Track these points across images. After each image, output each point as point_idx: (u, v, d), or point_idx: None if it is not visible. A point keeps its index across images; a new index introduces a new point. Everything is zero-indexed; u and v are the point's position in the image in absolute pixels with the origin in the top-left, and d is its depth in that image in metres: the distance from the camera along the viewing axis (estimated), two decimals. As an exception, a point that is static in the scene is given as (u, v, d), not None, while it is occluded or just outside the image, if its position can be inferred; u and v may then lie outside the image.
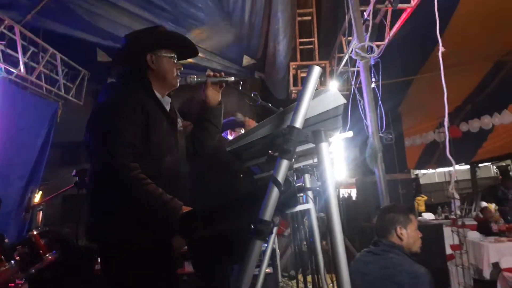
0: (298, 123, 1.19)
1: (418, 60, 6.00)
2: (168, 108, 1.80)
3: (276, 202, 1.14)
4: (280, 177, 1.16)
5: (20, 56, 4.66)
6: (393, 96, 6.30)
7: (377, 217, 2.12)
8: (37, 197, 5.15)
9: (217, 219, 1.33)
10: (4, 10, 4.35)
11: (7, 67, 4.56)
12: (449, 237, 4.84)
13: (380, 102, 3.81)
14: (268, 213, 1.13)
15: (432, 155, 9.61)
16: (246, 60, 5.96)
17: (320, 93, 1.32)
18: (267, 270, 2.66)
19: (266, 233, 1.11)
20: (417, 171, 12.25)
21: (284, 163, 1.17)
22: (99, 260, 4.46)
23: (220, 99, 1.92)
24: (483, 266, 4.83)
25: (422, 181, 12.59)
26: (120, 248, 1.56)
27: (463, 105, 8.34)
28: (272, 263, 3.87)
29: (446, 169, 11.50)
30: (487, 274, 4.77)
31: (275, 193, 1.14)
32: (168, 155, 1.68)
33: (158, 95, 1.75)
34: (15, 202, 4.81)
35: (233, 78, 1.89)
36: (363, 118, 3.77)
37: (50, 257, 3.81)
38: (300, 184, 2.11)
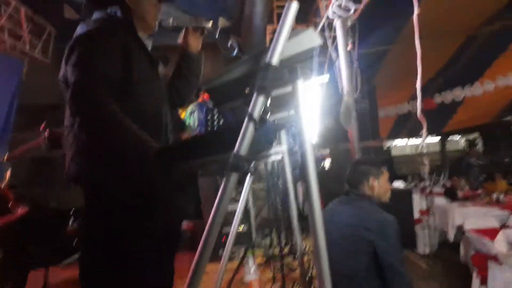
0: (275, 60, 1.16)
1: (393, 30, 6.02)
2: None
3: (251, 138, 1.12)
4: (256, 113, 1.13)
5: (-20, 8, 4.38)
6: (368, 67, 6.35)
7: (350, 168, 2.14)
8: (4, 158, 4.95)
9: (193, 153, 1.28)
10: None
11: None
12: (418, 203, 5.01)
13: (356, 63, 3.81)
14: (243, 148, 1.10)
15: (404, 126, 9.84)
16: (222, 22, 5.78)
17: (297, 33, 1.28)
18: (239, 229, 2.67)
19: (241, 167, 1.09)
20: (389, 143, 12.58)
21: (260, 99, 1.14)
22: (70, 223, 4.41)
23: (200, 47, 1.83)
24: (448, 229, 5.05)
25: (393, 152, 12.97)
26: (97, 195, 1.44)
27: (435, 77, 8.50)
28: (247, 222, 3.91)
29: (418, 140, 11.88)
30: (451, 236, 4.99)
31: (250, 129, 1.12)
32: (152, 98, 1.58)
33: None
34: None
35: (210, 25, 1.82)
36: (338, 78, 3.75)
37: (20, 210, 3.72)
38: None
